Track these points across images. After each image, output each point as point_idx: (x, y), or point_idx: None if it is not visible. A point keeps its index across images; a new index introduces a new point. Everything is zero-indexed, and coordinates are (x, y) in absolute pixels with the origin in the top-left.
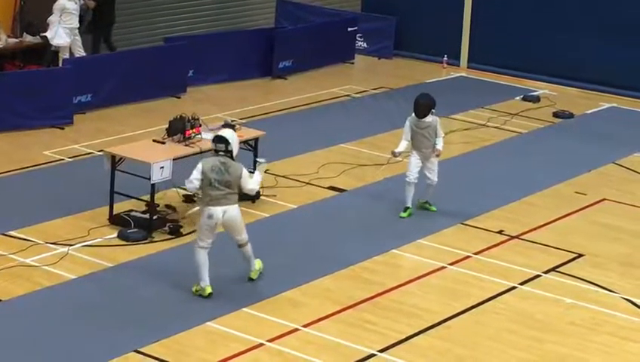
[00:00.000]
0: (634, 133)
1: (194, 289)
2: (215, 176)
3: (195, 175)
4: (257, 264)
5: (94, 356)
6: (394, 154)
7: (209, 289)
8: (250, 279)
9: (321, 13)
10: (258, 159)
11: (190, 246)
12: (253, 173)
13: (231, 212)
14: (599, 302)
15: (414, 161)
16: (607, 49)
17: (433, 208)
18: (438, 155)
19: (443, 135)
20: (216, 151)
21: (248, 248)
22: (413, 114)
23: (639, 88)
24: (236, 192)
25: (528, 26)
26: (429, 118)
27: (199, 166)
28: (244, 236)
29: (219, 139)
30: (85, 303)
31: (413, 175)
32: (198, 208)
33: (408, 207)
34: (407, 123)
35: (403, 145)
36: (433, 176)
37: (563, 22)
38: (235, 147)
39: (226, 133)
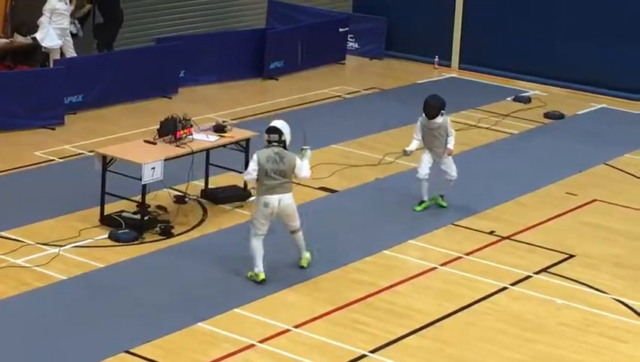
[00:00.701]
0: (624, 133)
1: (249, 274)
2: (271, 166)
3: (252, 166)
4: (308, 253)
5: (85, 356)
6: (405, 152)
7: (262, 276)
8: (302, 267)
9: (312, 13)
10: (303, 146)
11: (181, 246)
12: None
13: (286, 200)
14: (590, 302)
15: (426, 158)
16: (598, 50)
17: (444, 203)
18: (449, 154)
19: (454, 133)
20: (270, 142)
21: (300, 235)
22: (424, 114)
23: (629, 89)
24: (290, 181)
25: (519, 27)
26: (440, 119)
27: (255, 157)
28: (297, 223)
29: (272, 130)
30: (76, 304)
31: (423, 172)
32: (253, 198)
33: (424, 201)
34: (418, 123)
35: (414, 145)
36: (452, 172)
37: (554, 23)
38: (287, 137)
39: (279, 123)
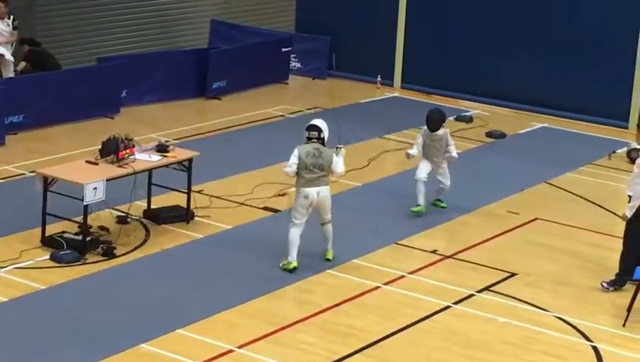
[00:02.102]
0: (565, 152)
1: (281, 264)
2: (310, 160)
3: (293, 160)
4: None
5: None
6: (408, 155)
7: (294, 264)
8: (327, 259)
9: (255, 33)
10: (338, 145)
11: (124, 266)
12: None
13: (324, 192)
14: (532, 320)
15: (424, 165)
16: (539, 69)
17: (444, 204)
18: (453, 162)
19: (453, 143)
20: (309, 139)
21: (330, 227)
22: (426, 127)
23: (570, 108)
24: (327, 175)
25: (461, 47)
26: (441, 131)
27: (295, 152)
28: (329, 216)
29: (312, 128)
30: (17, 326)
31: (422, 174)
32: (293, 190)
33: (419, 204)
34: (420, 136)
35: (415, 151)
36: (446, 181)
37: (495, 43)
38: (326, 134)
39: (318, 121)
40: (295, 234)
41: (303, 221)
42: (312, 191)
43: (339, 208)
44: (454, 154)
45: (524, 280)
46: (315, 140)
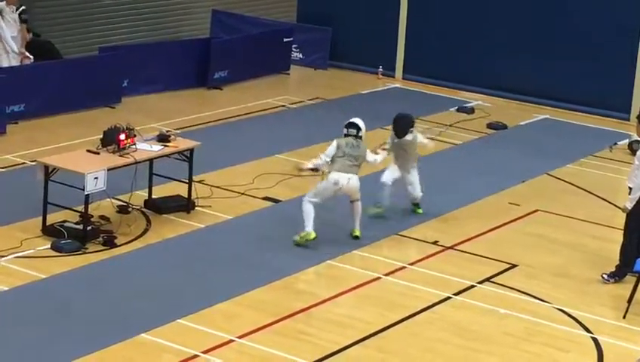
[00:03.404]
0: (566, 144)
1: (297, 238)
2: (349, 150)
3: (331, 150)
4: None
5: None
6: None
7: (313, 234)
8: (356, 237)
9: (257, 23)
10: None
11: (124, 256)
12: None
13: (354, 181)
14: (533, 312)
15: (391, 169)
16: (540, 61)
17: (420, 210)
18: (430, 142)
19: (425, 138)
20: (347, 135)
21: (359, 205)
22: (393, 132)
23: (572, 100)
24: (359, 165)
25: (463, 38)
26: (409, 137)
27: (334, 142)
28: (359, 195)
29: (352, 125)
30: (17, 315)
31: (387, 177)
32: (323, 171)
33: (380, 206)
34: (389, 139)
35: (381, 156)
36: (415, 193)
37: (497, 34)
38: (363, 132)
39: (357, 120)
40: (310, 207)
41: (319, 202)
42: (343, 178)
43: (337, 199)
44: (425, 141)
45: (524, 271)
46: (354, 136)
